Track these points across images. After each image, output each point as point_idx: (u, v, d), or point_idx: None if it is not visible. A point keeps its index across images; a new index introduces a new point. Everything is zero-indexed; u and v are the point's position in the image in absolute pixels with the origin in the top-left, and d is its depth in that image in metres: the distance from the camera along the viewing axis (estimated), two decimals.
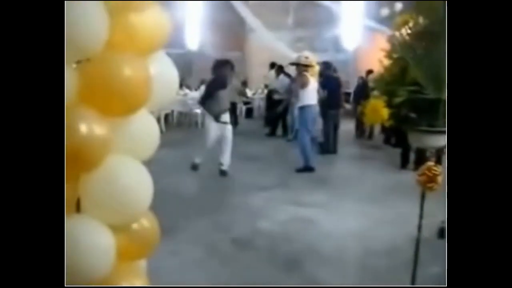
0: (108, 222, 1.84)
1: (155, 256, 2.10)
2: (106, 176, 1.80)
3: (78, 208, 1.86)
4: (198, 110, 12.77)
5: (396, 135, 9.39)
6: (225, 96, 7.06)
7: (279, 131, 11.71)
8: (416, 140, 3.33)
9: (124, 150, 1.90)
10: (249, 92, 15.39)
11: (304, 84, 7.33)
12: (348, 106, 11.88)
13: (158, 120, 10.97)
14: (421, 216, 2.93)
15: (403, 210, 5.07)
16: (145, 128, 2.04)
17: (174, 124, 12.99)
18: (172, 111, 12.94)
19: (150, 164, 2.01)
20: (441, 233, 4.06)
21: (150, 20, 1.93)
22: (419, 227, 2.94)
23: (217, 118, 6.91)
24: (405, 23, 3.62)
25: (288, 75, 11.71)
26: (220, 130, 7.01)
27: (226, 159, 7.09)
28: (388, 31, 4.11)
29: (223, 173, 7.06)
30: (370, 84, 8.02)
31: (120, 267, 1.91)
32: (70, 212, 1.80)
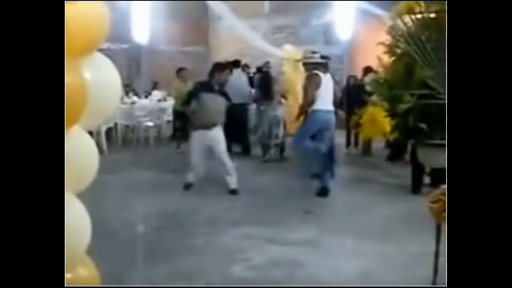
0: None
1: None
2: None
3: None
4: (150, 123, 12.75)
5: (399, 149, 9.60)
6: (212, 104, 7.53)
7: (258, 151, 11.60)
8: (427, 156, 3.41)
9: None
10: None
11: (317, 86, 7.62)
12: (340, 113, 11.90)
13: (97, 136, 10.90)
14: (436, 254, 2.93)
15: (416, 248, 5.13)
16: (79, 151, 2.05)
17: (118, 141, 12.87)
18: (116, 125, 12.81)
19: (87, 194, 2.02)
20: None
21: (84, 12, 1.96)
22: (435, 269, 2.94)
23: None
24: (410, 9, 3.72)
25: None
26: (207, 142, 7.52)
27: (232, 176, 7.75)
28: (388, 18, 4.20)
29: (233, 192, 7.69)
30: (368, 88, 8.08)
31: None
32: None
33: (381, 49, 6.08)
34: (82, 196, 2.28)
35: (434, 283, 2.93)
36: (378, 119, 4.40)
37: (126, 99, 13.13)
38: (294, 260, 5.23)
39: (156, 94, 15.00)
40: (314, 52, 8.01)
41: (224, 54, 18.42)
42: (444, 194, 2.81)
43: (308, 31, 17.43)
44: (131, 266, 4.96)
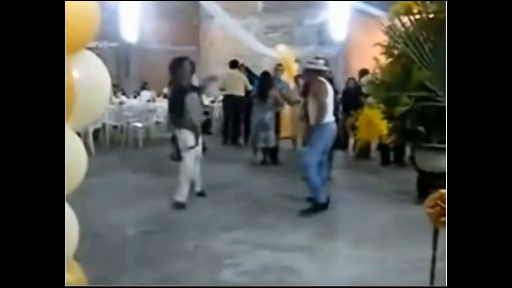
0: None
1: None
2: None
3: None
4: (139, 124, 12.73)
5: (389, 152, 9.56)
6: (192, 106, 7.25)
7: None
8: (425, 160, 3.42)
9: None
10: (205, 99, 15.42)
11: (326, 95, 7.12)
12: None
13: (85, 137, 10.86)
14: (433, 259, 2.94)
15: (416, 254, 5.14)
16: (67, 152, 2.04)
17: (106, 142, 12.83)
18: (104, 125, 12.79)
19: (75, 197, 2.01)
20: None
21: (73, 8, 1.94)
22: (432, 274, 2.95)
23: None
24: (408, 9, 3.73)
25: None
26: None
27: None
28: (385, 18, 4.22)
29: (179, 205, 7.19)
30: (364, 89, 7.99)
31: None
32: None
33: (378, 50, 6.09)
34: (68, 198, 2.26)
35: None
36: (374, 122, 4.37)
37: (115, 99, 13.08)
38: (287, 266, 5.23)
39: (145, 94, 15.00)
40: (318, 58, 7.54)
41: (216, 54, 18.45)
42: (441, 199, 2.83)
43: (302, 31, 17.44)
44: (118, 271, 4.93)
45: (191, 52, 17.11)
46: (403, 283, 4.70)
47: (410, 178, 8.03)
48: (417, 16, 4.89)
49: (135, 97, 15.02)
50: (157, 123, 13.65)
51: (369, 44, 5.84)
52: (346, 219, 6.99)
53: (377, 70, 4.97)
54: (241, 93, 13.29)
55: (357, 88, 11.09)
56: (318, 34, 17.08)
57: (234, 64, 13.90)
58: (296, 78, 11.60)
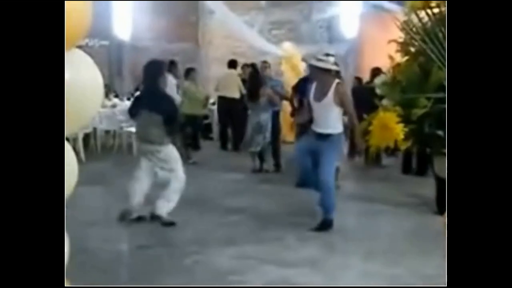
0: None
1: None
2: None
3: None
4: (132, 128, 12.73)
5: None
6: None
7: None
8: (444, 168, 3.40)
9: None
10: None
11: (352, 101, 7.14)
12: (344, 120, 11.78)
13: (74, 143, 10.87)
14: None
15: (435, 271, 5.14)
16: None
17: (97, 148, 12.83)
18: (95, 130, 12.79)
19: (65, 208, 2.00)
20: None
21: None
22: None
23: None
24: (426, 3, 3.71)
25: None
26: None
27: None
28: (401, 13, 4.21)
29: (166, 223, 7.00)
30: (378, 91, 7.87)
31: None
32: None
33: (392, 47, 6.05)
34: None
35: None
36: (389, 126, 4.35)
37: (106, 102, 13.08)
38: (294, 282, 5.23)
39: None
40: (328, 55, 7.23)
41: (216, 52, 18.46)
42: None
43: (310, 28, 17.45)
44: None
45: (188, 50, 17.15)
46: None
47: (428, 186, 8.02)
48: (436, 10, 4.89)
49: (128, 99, 15.01)
50: None
51: (383, 41, 5.80)
52: (357, 231, 6.97)
53: (391, 70, 4.95)
54: (235, 95, 13.30)
55: (368, 89, 10.91)
56: (327, 30, 17.10)
57: (232, 64, 13.91)
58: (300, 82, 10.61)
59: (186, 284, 5.13)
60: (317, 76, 7.10)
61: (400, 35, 4.81)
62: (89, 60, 2.23)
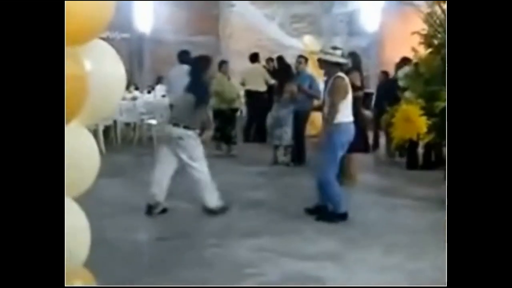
0: None
1: None
2: None
3: None
4: (153, 121, 12.75)
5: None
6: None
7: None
8: None
9: None
10: None
11: (346, 93, 6.85)
12: (368, 113, 11.48)
13: (95, 135, 10.90)
14: None
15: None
16: (78, 150, 2.03)
17: (117, 141, 12.88)
18: (115, 123, 12.83)
19: (87, 200, 2.01)
20: None
21: None
22: None
23: None
24: None
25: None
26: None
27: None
28: (424, 4, 4.18)
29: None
30: (401, 83, 7.64)
31: None
32: None
33: (415, 40, 5.96)
34: (79, 201, 2.26)
35: None
36: (412, 118, 4.27)
37: (127, 95, 13.12)
38: (313, 275, 5.22)
39: (160, 89, 14.95)
40: (335, 48, 7.12)
41: (236, 46, 18.44)
42: None
43: (331, 21, 17.38)
44: (131, 279, 4.95)
45: (209, 42, 17.14)
46: None
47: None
48: None
49: (149, 92, 15.05)
50: None
51: (406, 34, 5.71)
52: (376, 225, 6.92)
53: (415, 61, 4.87)
54: (261, 88, 13.29)
55: (393, 81, 10.68)
56: (348, 23, 17.02)
57: (254, 58, 13.86)
58: None
59: (204, 276, 5.15)
60: (326, 70, 7.09)
61: (423, 27, 4.79)
62: (111, 51, 2.23)
